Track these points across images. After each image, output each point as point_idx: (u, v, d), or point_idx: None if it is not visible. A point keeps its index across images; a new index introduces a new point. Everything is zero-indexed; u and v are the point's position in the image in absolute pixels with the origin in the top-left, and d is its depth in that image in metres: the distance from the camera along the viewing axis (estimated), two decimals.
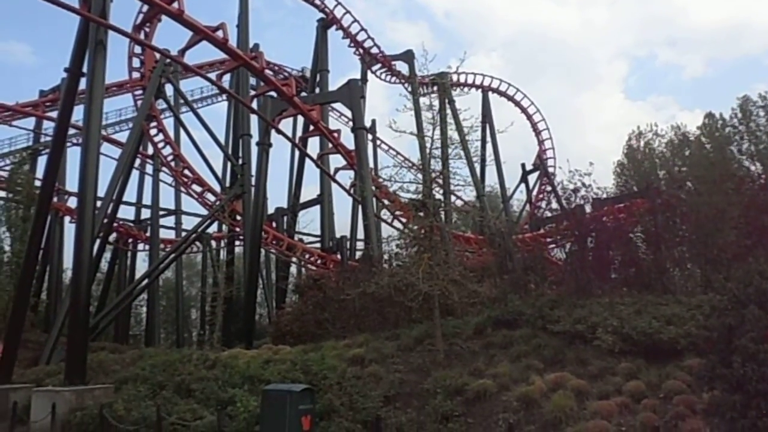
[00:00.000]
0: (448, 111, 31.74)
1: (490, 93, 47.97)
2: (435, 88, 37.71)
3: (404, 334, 15.88)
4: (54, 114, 39.01)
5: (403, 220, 32.07)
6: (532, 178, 48.69)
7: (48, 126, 39.71)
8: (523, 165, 49.18)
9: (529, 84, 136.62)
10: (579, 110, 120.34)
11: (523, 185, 49.04)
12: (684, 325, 12.13)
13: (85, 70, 18.93)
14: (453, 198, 28.25)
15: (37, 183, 29.02)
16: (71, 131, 27.49)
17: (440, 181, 17.15)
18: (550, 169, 47.77)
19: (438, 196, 17.30)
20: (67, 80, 20.82)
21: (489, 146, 44.48)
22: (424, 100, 17.99)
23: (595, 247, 18.08)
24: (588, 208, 19.05)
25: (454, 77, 44.83)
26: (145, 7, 24.01)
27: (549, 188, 44.76)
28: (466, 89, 43.54)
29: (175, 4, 19.67)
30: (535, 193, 48.61)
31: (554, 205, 28.84)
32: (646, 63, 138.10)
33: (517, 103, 49.35)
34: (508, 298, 17.33)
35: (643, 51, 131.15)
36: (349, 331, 18.41)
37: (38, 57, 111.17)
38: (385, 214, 34.31)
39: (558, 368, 12.12)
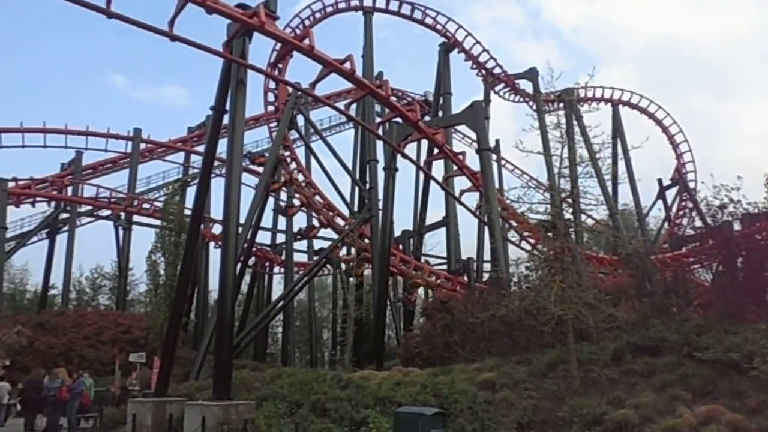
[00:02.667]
0: (576, 128, 30.79)
1: (620, 107, 45.89)
2: (561, 104, 36.78)
3: (536, 359, 15.41)
4: (200, 148, 42.71)
5: (532, 241, 31.34)
6: (670, 194, 45.72)
7: (195, 159, 43.46)
8: (659, 180, 46.40)
9: (665, 95, 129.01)
10: (721, 120, 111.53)
11: (660, 202, 46.17)
12: None
13: (227, 107, 20.59)
14: (583, 217, 27.19)
15: (187, 212, 31.69)
16: (215, 163, 29.78)
17: (570, 201, 16.61)
18: (691, 184, 44.58)
19: (568, 215, 16.76)
20: (212, 117, 22.72)
21: (621, 162, 42.37)
22: (551, 119, 17.62)
23: (747, 267, 16.55)
24: (737, 226, 17.55)
25: (582, 92, 43.43)
26: (278, 45, 25.66)
27: (690, 204, 41.72)
28: (594, 104, 41.92)
29: (306, 41, 20.81)
30: (674, 210, 45.54)
31: (697, 222, 26.80)
32: None
33: (651, 116, 46.75)
34: (648, 322, 16.28)
35: None
36: (479, 355, 18.18)
37: (191, 99, 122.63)
38: (512, 235, 33.68)
39: (709, 400, 11.17)
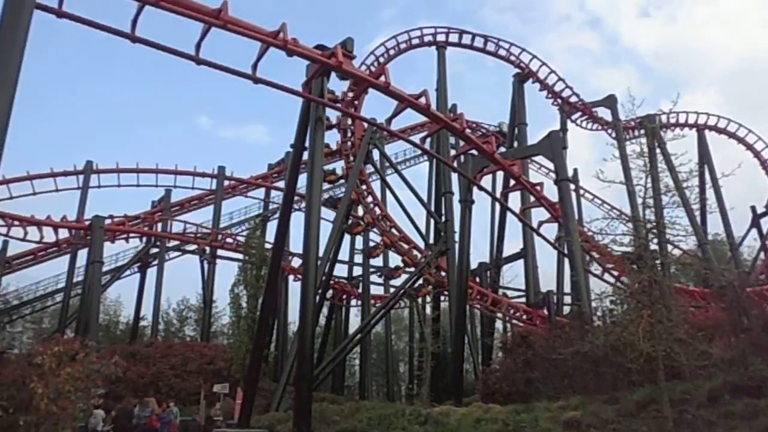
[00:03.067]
0: (660, 156, 29.72)
1: (707, 132, 43.93)
2: (642, 132, 35.62)
3: (624, 398, 14.74)
4: (279, 184, 44.14)
5: (615, 273, 30.22)
6: (766, 222, 43.03)
7: (275, 195, 44.91)
8: (753, 208, 43.83)
9: (756, 118, 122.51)
10: None
11: (754, 230, 43.53)
12: None
13: (306, 144, 21.32)
14: (670, 248, 26.04)
15: (267, 246, 32.67)
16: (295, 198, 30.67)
17: (656, 232, 15.97)
18: None
19: (654, 246, 16.11)
20: (292, 154, 23.57)
21: (710, 190, 40.37)
22: (633, 147, 17.11)
23: None
24: None
25: (664, 118, 41.97)
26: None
27: None
28: (678, 130, 40.40)
29: (382, 78, 21.30)
30: None
31: None
32: None
33: (741, 140, 44.47)
34: (747, 360, 15.26)
35: None
36: (562, 392, 17.57)
37: (271, 136, 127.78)
38: (594, 267, 32.61)
39: None
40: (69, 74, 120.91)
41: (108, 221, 37.09)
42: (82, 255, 37.74)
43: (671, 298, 15.84)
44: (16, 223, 34.81)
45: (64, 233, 37.53)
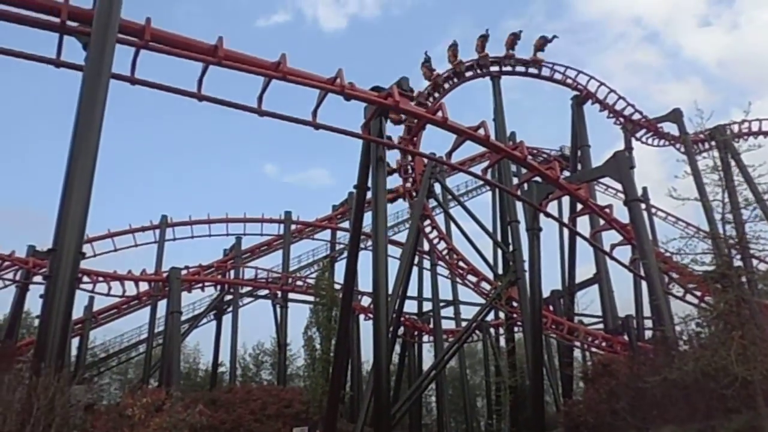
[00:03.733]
0: (735, 168, 28.51)
1: None
2: (714, 144, 34.32)
3: (720, 427, 13.94)
4: (344, 225, 44.74)
5: (698, 294, 28.85)
6: None
7: (341, 235, 45.53)
8: None
9: None
10: None
11: None
12: None
13: (369, 183, 21.68)
14: (756, 263, 24.70)
15: (336, 286, 33.03)
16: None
17: (739, 248, 15.25)
18: None
19: (737, 263, 15.36)
20: (356, 195, 23.99)
21: None
22: (705, 161, 16.56)
23: None
24: None
25: (735, 128, 40.35)
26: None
27: None
28: (752, 139, 38.64)
29: (440, 113, 21.52)
30: None
31: None
32: None
33: None
34: None
35: None
36: (652, 423, 16.77)
37: (333, 178, 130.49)
38: (675, 289, 31.23)
39: None
40: (141, 136, 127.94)
41: (184, 272, 38.48)
42: (162, 306, 39.17)
43: (763, 316, 15.00)
44: (100, 279, 36.62)
45: (144, 286, 39.22)
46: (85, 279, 35.43)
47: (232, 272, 43.46)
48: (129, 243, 41.99)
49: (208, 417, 15.88)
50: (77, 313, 37.43)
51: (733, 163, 29.58)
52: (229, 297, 43.89)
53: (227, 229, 45.09)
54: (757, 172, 16.25)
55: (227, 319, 43.66)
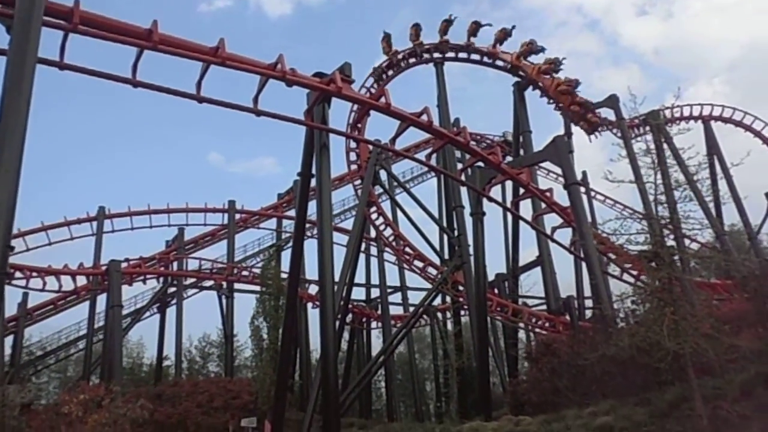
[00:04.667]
0: (668, 151, 29.60)
1: (713, 123, 43.71)
2: (648, 128, 35.51)
3: (655, 399, 14.53)
4: (290, 213, 44.32)
5: (634, 273, 29.94)
6: None
7: (287, 224, 45.04)
8: (767, 195, 43.37)
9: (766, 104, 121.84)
10: None
11: None
12: None
13: (313, 170, 21.47)
14: (687, 242, 25.82)
15: (283, 275, 32.71)
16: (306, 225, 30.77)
17: (671, 228, 15.85)
18: None
19: (670, 242, 15.98)
20: (300, 182, 23.72)
21: (722, 181, 39.97)
22: (639, 145, 17.11)
23: None
24: None
25: (668, 113, 41.82)
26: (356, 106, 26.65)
27: None
28: (683, 124, 40.15)
29: (383, 99, 21.47)
30: None
31: None
32: None
33: (749, 128, 44.16)
34: None
35: None
36: (591, 398, 17.35)
37: (281, 166, 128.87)
38: (612, 269, 32.31)
39: None
40: (74, 123, 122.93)
41: (124, 264, 37.36)
42: (102, 300, 37.99)
43: (693, 293, 15.72)
44: (34, 274, 35.12)
45: (81, 280, 37.82)
46: (18, 274, 33.92)
47: (175, 264, 42.39)
48: (64, 236, 40.46)
49: (151, 411, 15.49)
50: (10, 310, 35.99)
51: (666, 147, 30.77)
52: (172, 289, 42.90)
53: (169, 219, 44.01)
54: (687, 155, 16.92)
55: (171, 311, 42.73)
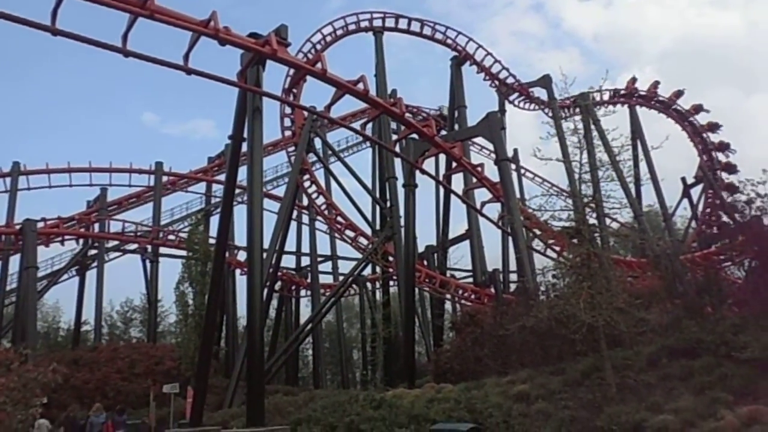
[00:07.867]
0: (595, 132, 30.60)
1: (638, 107, 45.54)
2: (578, 110, 36.60)
3: (570, 368, 15.22)
4: (220, 177, 43.21)
5: (557, 248, 31.06)
6: (696, 192, 45.06)
7: (217, 189, 43.93)
8: (683, 179, 45.75)
9: (688, 93, 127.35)
10: (750, 116, 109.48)
11: (685, 200, 45.52)
12: None
13: (245, 135, 20.90)
14: (608, 221, 26.97)
15: (211, 241, 31.99)
16: (236, 191, 30.13)
17: (593, 206, 16.45)
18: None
19: (592, 220, 16.60)
20: (231, 146, 23.09)
21: (643, 163, 41.82)
22: (568, 125, 17.60)
23: None
24: (767, 220, 17.27)
25: (596, 96, 43.21)
26: (292, 71, 26.08)
27: (718, 202, 41.08)
28: (611, 107, 41.57)
29: (319, 65, 21.04)
30: (700, 208, 44.86)
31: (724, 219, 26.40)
32: None
33: (670, 114, 46.32)
34: (682, 324, 16.01)
35: None
36: (511, 367, 18.00)
37: (218, 129, 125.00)
38: (537, 244, 33.40)
39: (750, 401, 10.92)
40: None
41: (40, 224, 35.55)
42: (15, 261, 36.10)
43: (610, 269, 16.39)
44: None
45: None
46: None
47: (96, 225, 40.66)
48: None
49: (67, 376, 14.94)
50: None
51: (593, 128, 31.78)
52: (93, 252, 41.19)
53: (91, 179, 41.97)
54: (611, 136, 17.53)
55: (91, 274, 41.07)
